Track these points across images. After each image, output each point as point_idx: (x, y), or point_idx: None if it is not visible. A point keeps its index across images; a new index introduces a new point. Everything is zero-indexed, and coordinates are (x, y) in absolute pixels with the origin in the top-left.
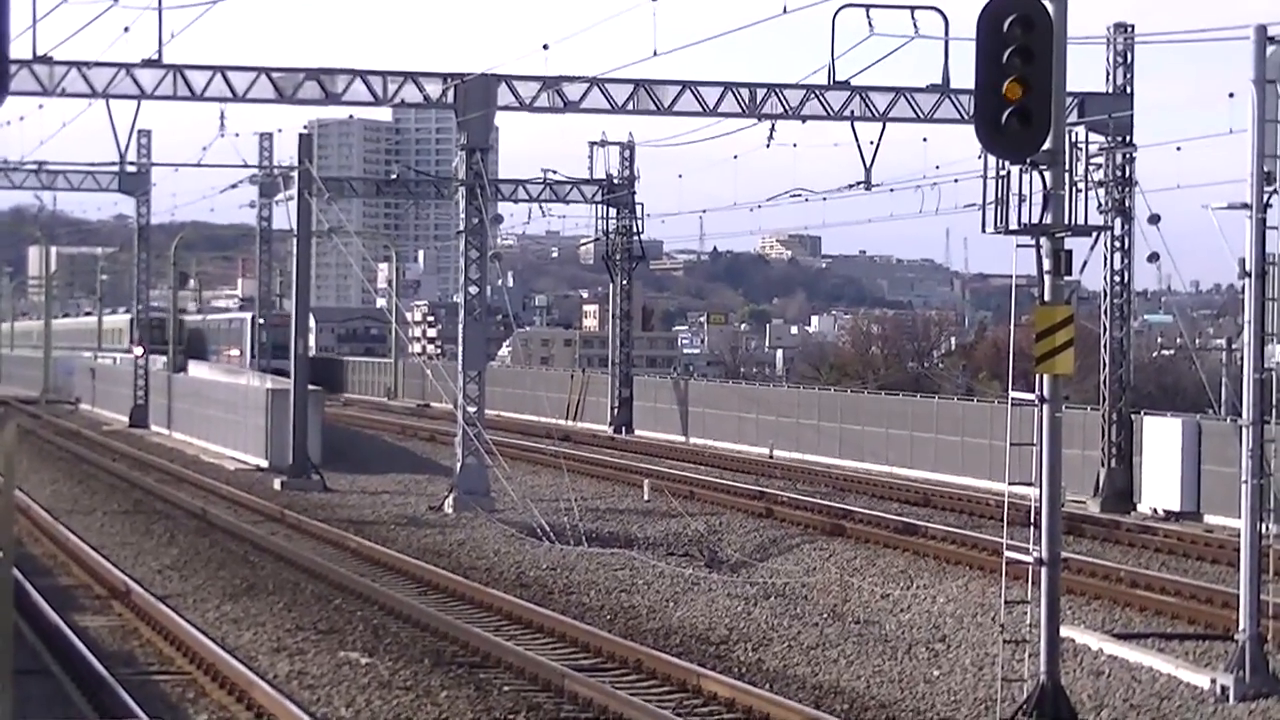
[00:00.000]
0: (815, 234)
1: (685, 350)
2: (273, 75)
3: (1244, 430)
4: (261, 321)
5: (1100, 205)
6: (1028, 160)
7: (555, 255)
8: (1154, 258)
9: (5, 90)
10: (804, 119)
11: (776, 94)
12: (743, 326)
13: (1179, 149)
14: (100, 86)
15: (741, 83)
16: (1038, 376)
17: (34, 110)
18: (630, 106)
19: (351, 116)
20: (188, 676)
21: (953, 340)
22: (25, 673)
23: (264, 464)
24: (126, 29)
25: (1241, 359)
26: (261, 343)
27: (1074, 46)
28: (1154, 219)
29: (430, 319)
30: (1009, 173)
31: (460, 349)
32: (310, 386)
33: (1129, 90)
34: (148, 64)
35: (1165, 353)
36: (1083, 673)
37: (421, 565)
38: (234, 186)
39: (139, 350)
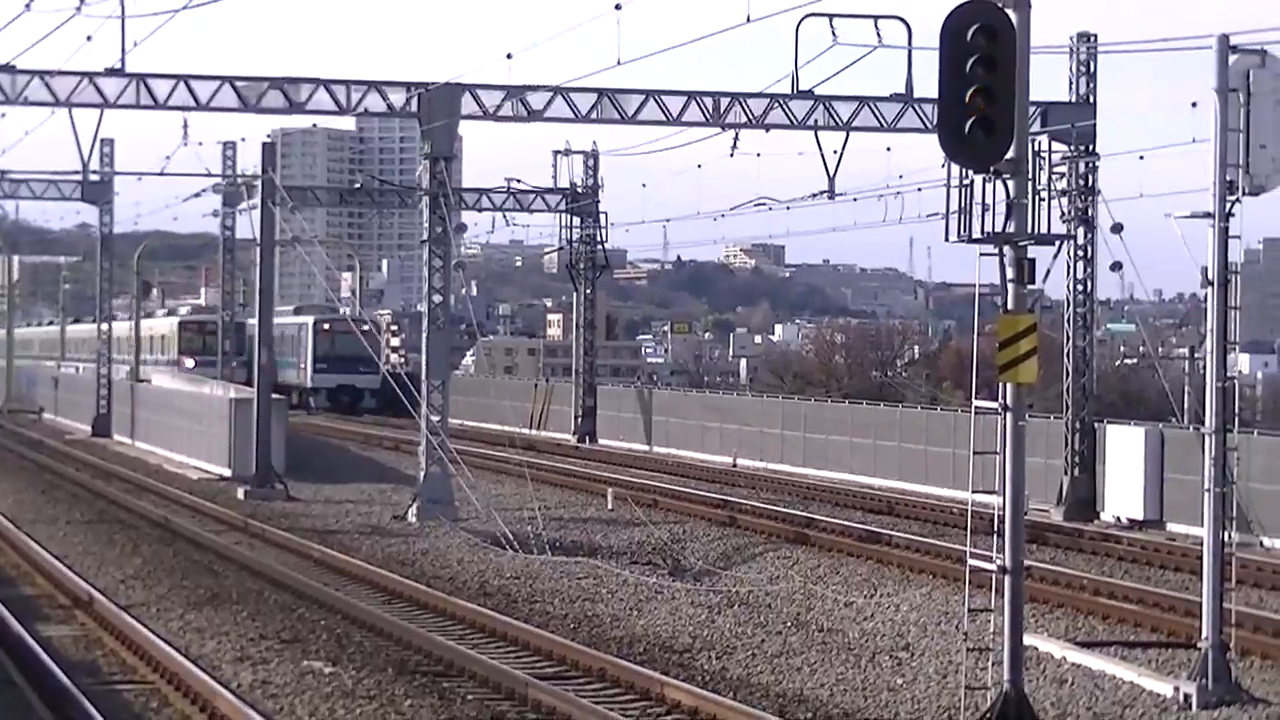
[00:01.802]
0: (779, 243)
1: (649, 359)
2: (236, 84)
3: (1207, 439)
4: (326, 327)
5: (1063, 214)
6: (991, 169)
7: (519, 264)
8: (1117, 266)
9: None
10: (768, 128)
11: (740, 103)
12: (706, 335)
13: (1142, 158)
14: (63, 95)
15: (705, 91)
16: (1001, 385)
17: None
18: (594, 115)
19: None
20: (151, 686)
21: (916, 349)
22: None
23: (227, 473)
24: (89, 38)
25: (1204, 368)
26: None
27: (1037, 56)
28: (1117, 228)
29: (394, 328)
30: (972, 182)
31: (424, 358)
32: (275, 396)
33: (1092, 99)
34: (110, 73)
35: (1128, 361)
36: (1046, 681)
37: (385, 574)
38: (197, 195)
39: (189, 363)
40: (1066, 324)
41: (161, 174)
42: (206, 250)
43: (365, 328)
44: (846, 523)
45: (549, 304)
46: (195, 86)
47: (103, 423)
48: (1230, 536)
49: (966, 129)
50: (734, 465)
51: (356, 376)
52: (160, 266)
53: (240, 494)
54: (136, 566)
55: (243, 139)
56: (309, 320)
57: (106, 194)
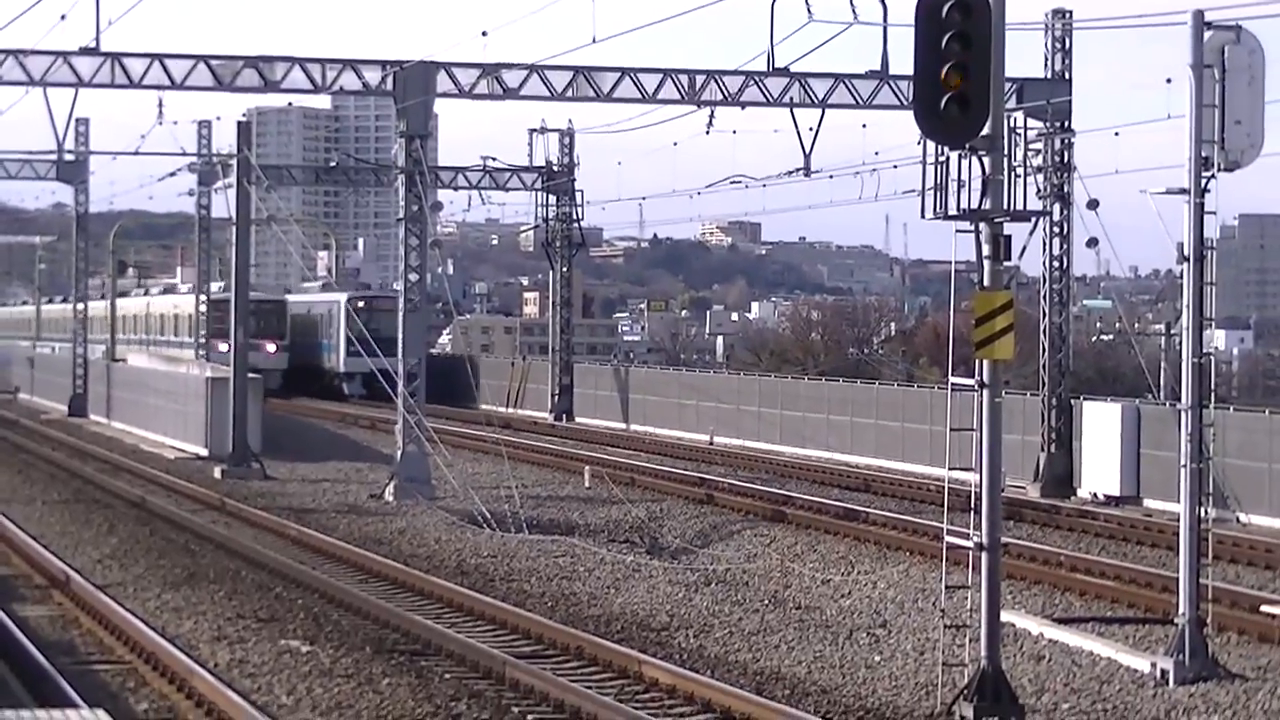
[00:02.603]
0: (755, 220)
1: (626, 337)
2: (211, 63)
3: (1183, 415)
4: (361, 304)
5: (1039, 190)
6: (966, 146)
7: (495, 243)
8: (1093, 243)
9: None
10: (743, 105)
11: (716, 80)
12: (683, 313)
13: (1117, 134)
14: (37, 74)
15: (681, 69)
16: (977, 362)
17: None
18: (570, 93)
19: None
20: (128, 665)
21: (892, 326)
22: None
23: (204, 452)
24: (64, 16)
25: (1180, 344)
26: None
27: (1012, 32)
28: (1093, 204)
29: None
30: (948, 158)
31: (400, 337)
32: (251, 376)
33: (1067, 76)
34: (85, 52)
35: (1104, 338)
36: (1023, 657)
37: (362, 553)
38: (172, 175)
39: (223, 347)
40: (1043, 300)
41: (137, 153)
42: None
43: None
44: (823, 500)
45: (525, 282)
46: (170, 65)
47: (79, 402)
48: (1207, 512)
49: (942, 105)
50: (710, 443)
51: (393, 360)
52: (135, 246)
53: (217, 473)
54: (113, 546)
55: (218, 118)
56: (340, 298)
57: (81, 173)
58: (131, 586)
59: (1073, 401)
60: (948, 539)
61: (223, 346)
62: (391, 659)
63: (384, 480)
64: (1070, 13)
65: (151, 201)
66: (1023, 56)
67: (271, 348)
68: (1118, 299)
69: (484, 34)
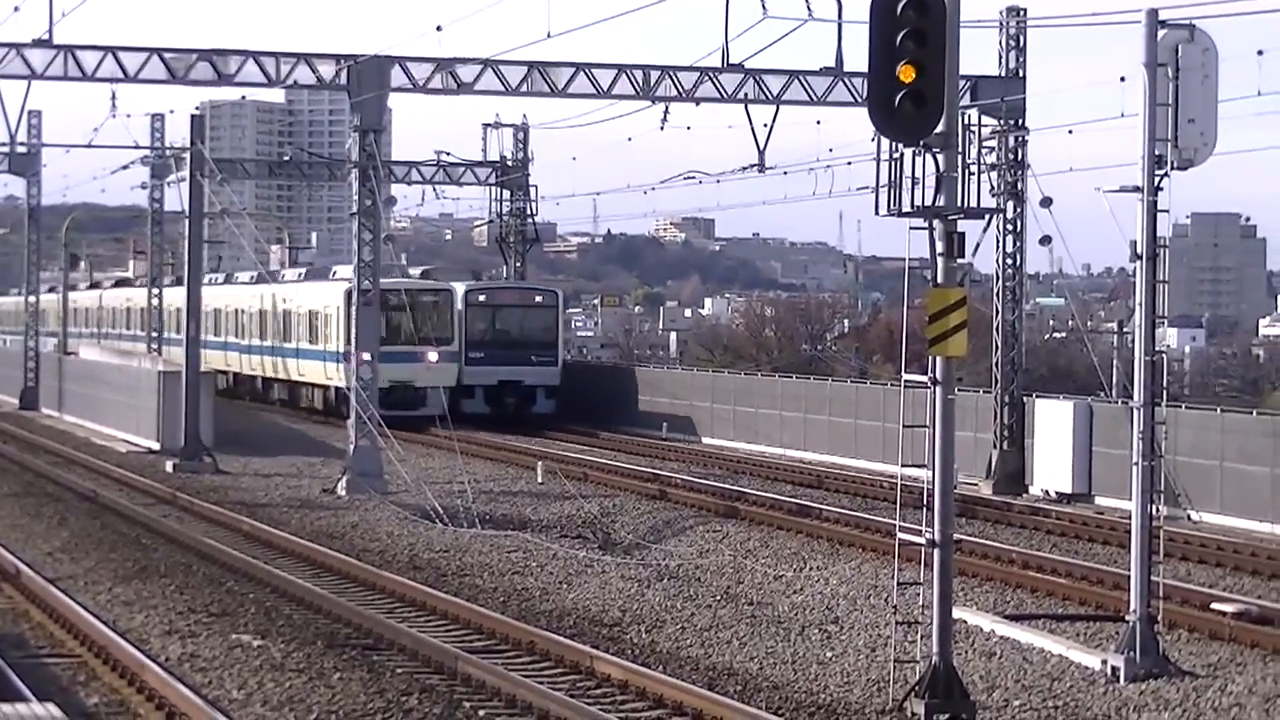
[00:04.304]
0: (709, 217)
1: (579, 333)
2: (165, 56)
3: (1135, 412)
4: (484, 296)
5: (993, 188)
6: (921, 143)
7: (449, 238)
8: (1046, 240)
9: None
10: (698, 101)
11: (670, 76)
12: (636, 309)
13: (1071, 132)
14: None
15: (635, 65)
16: (930, 359)
17: None
18: (524, 88)
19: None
20: (79, 659)
21: (846, 323)
22: None
23: (156, 446)
24: (16, 8)
25: (1132, 342)
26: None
27: (967, 30)
28: (1046, 202)
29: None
30: (902, 155)
31: (354, 331)
32: (202, 370)
33: (1021, 74)
34: (38, 44)
35: (1057, 335)
36: (975, 654)
37: (314, 548)
38: (125, 168)
39: (365, 357)
40: (996, 298)
41: (90, 146)
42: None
43: (539, 299)
44: (776, 496)
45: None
46: (123, 58)
47: (30, 395)
48: (1158, 510)
49: (896, 102)
50: (663, 438)
51: (527, 369)
52: (88, 239)
53: (169, 467)
54: (64, 539)
55: (171, 111)
56: (458, 288)
57: (34, 166)
58: (82, 580)
59: (1025, 399)
60: (900, 535)
61: (364, 356)
62: (343, 654)
63: (336, 475)
64: (1024, 10)
65: (104, 194)
66: (977, 54)
67: (434, 355)
68: (1070, 297)
69: (438, 28)
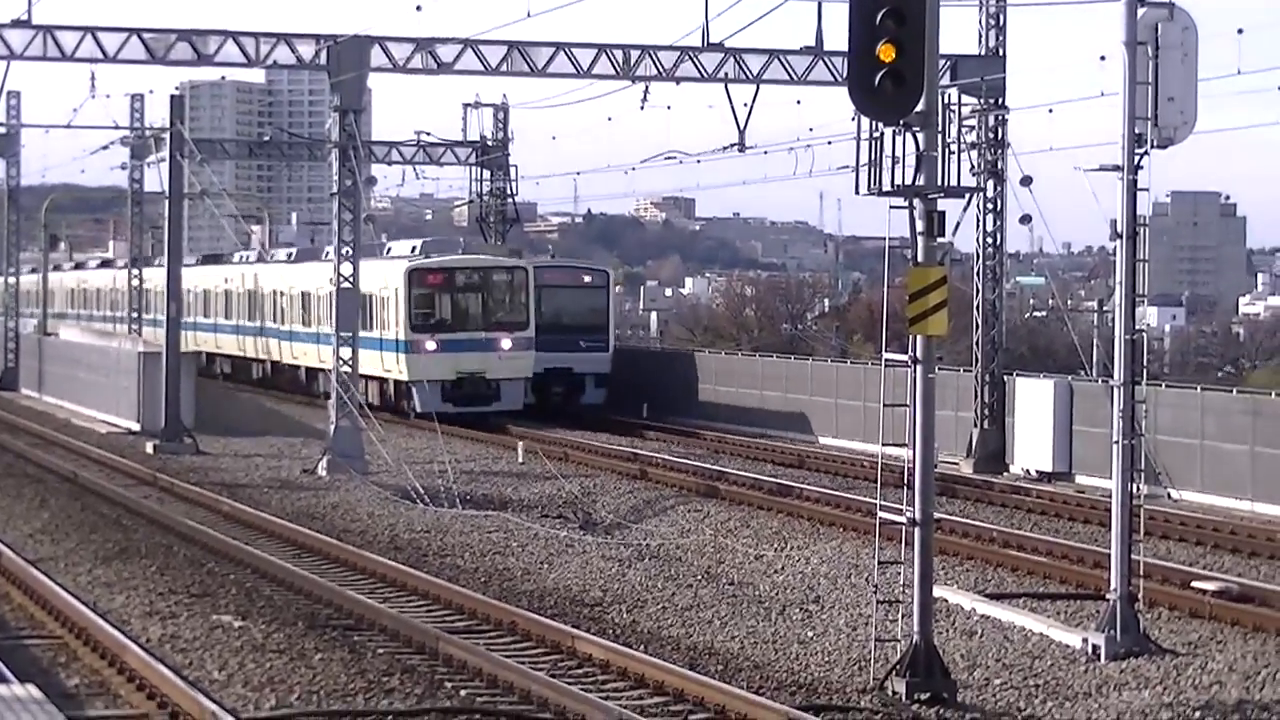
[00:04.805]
0: (689, 196)
1: None
2: (144, 36)
3: (1115, 391)
4: (547, 274)
5: (973, 167)
6: (901, 122)
7: (429, 218)
8: (1026, 219)
9: None
10: (678, 81)
11: (650, 56)
12: (617, 288)
13: (1051, 111)
14: None
15: (615, 44)
16: (911, 338)
17: None
18: (504, 68)
19: (224, 78)
20: (59, 641)
21: (826, 302)
22: None
23: (136, 427)
24: None
25: (1112, 320)
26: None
27: (946, 9)
28: (1026, 181)
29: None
30: (882, 134)
31: (334, 311)
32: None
33: (1001, 53)
34: (17, 24)
35: (1037, 314)
36: (955, 633)
37: (295, 528)
38: (105, 148)
39: (430, 345)
40: (976, 277)
41: (69, 127)
42: (114, 203)
43: (588, 279)
44: (757, 476)
45: None
46: (103, 39)
47: (10, 376)
48: (1138, 488)
49: (877, 82)
50: (644, 418)
51: (576, 355)
52: (68, 219)
53: (149, 448)
54: (44, 521)
55: (151, 91)
56: (526, 266)
57: (13, 147)
58: (63, 561)
59: (1005, 378)
60: (881, 514)
61: (430, 344)
62: (324, 634)
63: (317, 455)
64: None
65: (84, 175)
66: (957, 33)
67: (508, 343)
68: (1051, 275)
69: (418, 8)
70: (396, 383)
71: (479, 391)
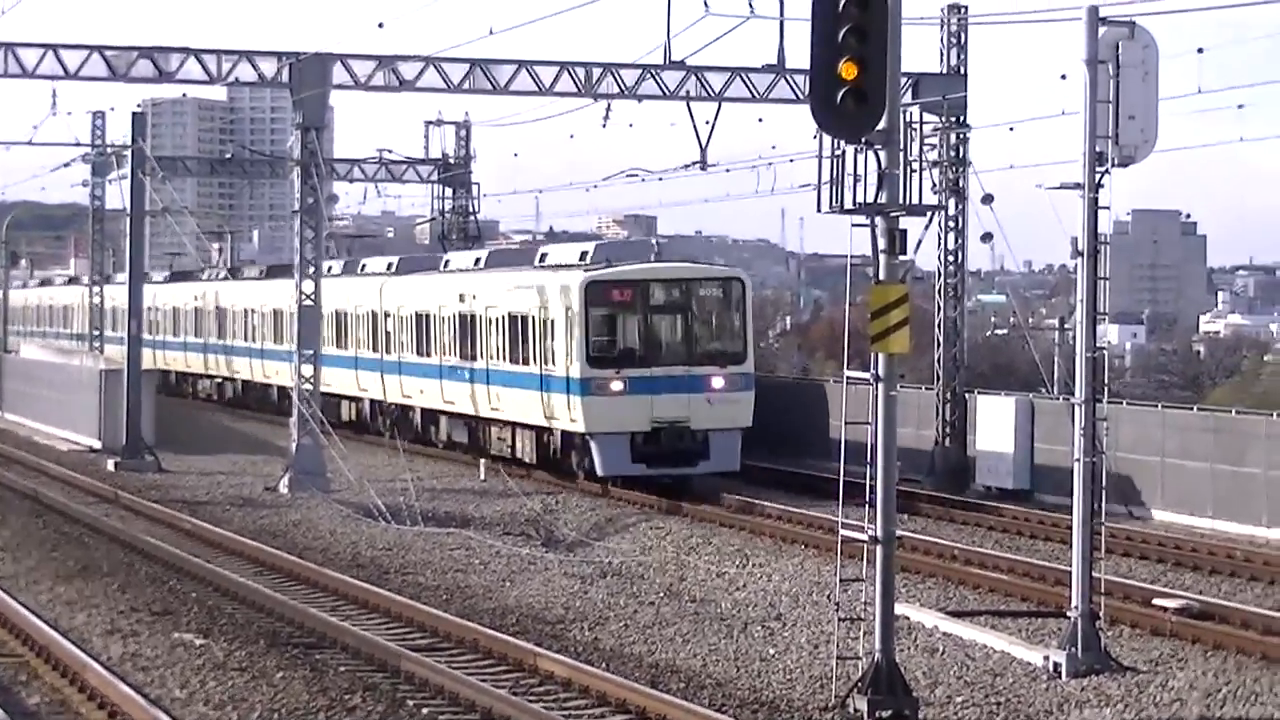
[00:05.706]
0: (651, 214)
1: None
2: (105, 53)
3: (1076, 409)
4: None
5: (934, 185)
6: (863, 140)
7: (391, 235)
8: (987, 237)
9: None
10: (640, 99)
11: (612, 74)
12: None
13: (1012, 129)
14: None
15: (577, 62)
16: (873, 355)
17: None
18: (466, 86)
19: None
20: (20, 659)
21: (788, 320)
22: None
23: (98, 445)
24: None
25: (1073, 338)
26: None
27: (908, 27)
28: (987, 199)
29: None
30: (844, 152)
31: (296, 329)
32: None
33: (963, 71)
34: None
35: (999, 332)
36: (917, 650)
37: (257, 546)
38: (66, 165)
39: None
40: (937, 295)
41: (29, 143)
42: (75, 220)
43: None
44: (719, 493)
45: None
46: (64, 55)
47: None
48: (1100, 506)
49: (839, 99)
50: None
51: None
52: (28, 236)
53: (111, 465)
54: (4, 539)
55: (112, 108)
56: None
57: None
58: (23, 579)
59: (967, 395)
60: (842, 532)
61: (616, 384)
62: (286, 652)
63: (279, 473)
64: (965, 8)
65: (44, 192)
66: (919, 51)
67: (720, 381)
68: (1012, 293)
69: (380, 25)
70: (566, 434)
71: (681, 446)
